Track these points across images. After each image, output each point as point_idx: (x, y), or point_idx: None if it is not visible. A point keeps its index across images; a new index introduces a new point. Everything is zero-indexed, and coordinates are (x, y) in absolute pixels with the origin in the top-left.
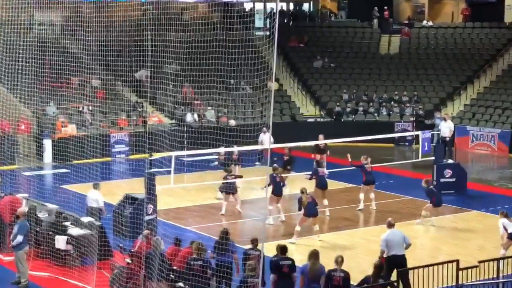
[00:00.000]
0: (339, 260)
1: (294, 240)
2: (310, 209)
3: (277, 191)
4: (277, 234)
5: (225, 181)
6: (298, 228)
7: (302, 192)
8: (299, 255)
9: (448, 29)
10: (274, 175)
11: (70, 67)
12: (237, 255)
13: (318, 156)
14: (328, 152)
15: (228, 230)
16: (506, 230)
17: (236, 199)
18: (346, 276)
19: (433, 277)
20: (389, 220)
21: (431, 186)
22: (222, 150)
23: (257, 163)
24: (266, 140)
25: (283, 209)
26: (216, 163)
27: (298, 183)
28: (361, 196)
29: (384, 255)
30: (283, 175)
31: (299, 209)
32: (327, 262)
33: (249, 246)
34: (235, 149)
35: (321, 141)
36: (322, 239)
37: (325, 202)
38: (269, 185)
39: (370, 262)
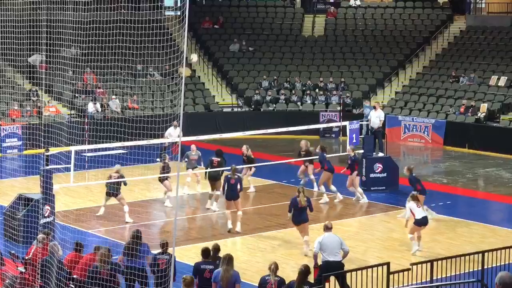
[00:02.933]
0: (273, 268)
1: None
2: (296, 215)
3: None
4: (189, 238)
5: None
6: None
7: (298, 191)
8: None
9: (377, 9)
10: (229, 176)
11: None
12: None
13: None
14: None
15: (140, 232)
16: (413, 215)
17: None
18: (281, 281)
19: (362, 282)
20: (325, 224)
21: (414, 174)
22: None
23: (157, 159)
24: (174, 135)
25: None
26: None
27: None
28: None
29: (319, 260)
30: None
31: (290, 211)
32: (243, 267)
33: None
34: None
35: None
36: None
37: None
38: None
39: (295, 268)
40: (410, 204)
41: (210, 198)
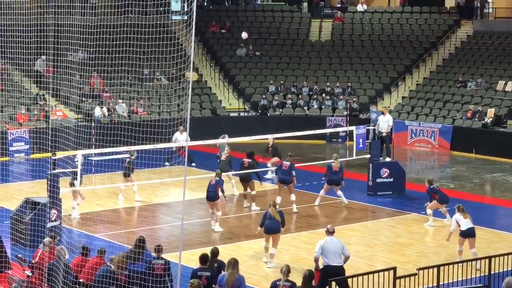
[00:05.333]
0: (285, 270)
1: (272, 264)
2: (269, 224)
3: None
4: (195, 242)
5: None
6: (265, 244)
7: (270, 205)
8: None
9: (384, 14)
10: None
11: None
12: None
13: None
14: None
15: (144, 238)
16: (459, 226)
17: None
18: (293, 286)
19: (369, 286)
20: (328, 227)
21: (434, 185)
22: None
23: (166, 163)
24: (182, 141)
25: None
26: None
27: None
28: (321, 192)
29: (320, 264)
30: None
31: (261, 225)
32: (250, 272)
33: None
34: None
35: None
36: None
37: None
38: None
39: (301, 272)
40: (457, 216)
41: (245, 198)
